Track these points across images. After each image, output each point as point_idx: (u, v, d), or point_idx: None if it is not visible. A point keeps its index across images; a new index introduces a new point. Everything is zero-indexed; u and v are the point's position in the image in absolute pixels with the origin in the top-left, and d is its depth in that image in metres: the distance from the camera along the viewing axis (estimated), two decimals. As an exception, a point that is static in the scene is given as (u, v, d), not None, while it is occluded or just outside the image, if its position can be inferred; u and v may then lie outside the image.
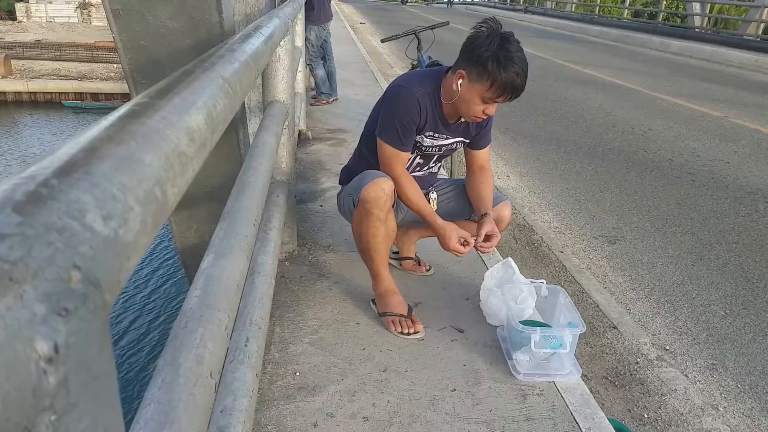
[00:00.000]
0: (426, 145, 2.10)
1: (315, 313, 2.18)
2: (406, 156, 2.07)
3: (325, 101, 6.03)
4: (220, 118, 0.71)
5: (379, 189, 1.95)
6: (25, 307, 0.25)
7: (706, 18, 16.98)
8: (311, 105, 5.90)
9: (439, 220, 2.05)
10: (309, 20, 5.39)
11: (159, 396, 0.66)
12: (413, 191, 2.05)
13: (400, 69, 9.36)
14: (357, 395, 1.77)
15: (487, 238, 2.03)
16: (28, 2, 30.97)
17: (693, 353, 2.55)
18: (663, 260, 3.38)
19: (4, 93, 17.48)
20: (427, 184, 2.27)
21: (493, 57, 1.80)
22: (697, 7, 16.88)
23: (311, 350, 1.97)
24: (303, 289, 2.34)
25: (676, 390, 2.32)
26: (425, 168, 2.23)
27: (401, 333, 2.06)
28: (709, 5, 16.98)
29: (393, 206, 2.03)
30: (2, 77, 17.62)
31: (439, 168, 2.30)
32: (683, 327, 2.74)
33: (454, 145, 2.17)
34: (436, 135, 2.08)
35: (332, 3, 6.16)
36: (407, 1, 36.55)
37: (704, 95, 8.53)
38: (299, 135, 4.34)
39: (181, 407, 0.66)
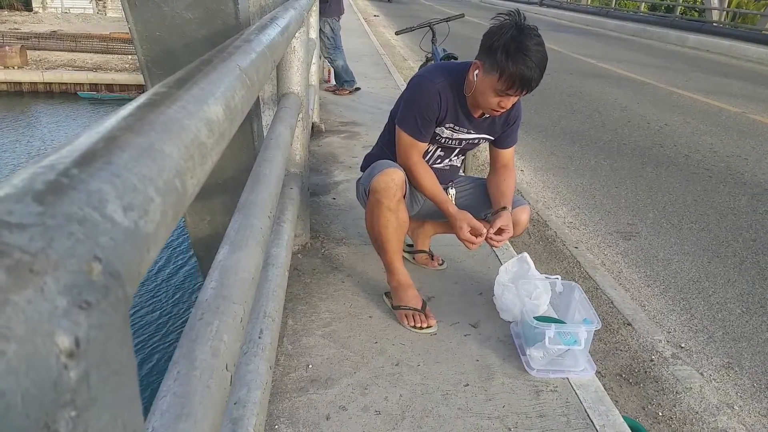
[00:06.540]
0: (445, 137, 2.08)
1: (328, 305, 2.18)
2: (423, 146, 2.07)
3: (347, 90, 6.04)
4: (237, 109, 0.70)
5: (388, 179, 1.94)
6: (46, 299, 0.24)
7: (724, 12, 16.73)
8: (335, 94, 5.97)
9: (453, 208, 2.04)
10: (323, 13, 5.38)
11: (175, 388, 0.66)
12: (427, 178, 2.04)
13: (413, 62, 9.32)
14: (369, 389, 1.76)
15: (499, 232, 2.01)
16: (44, -7, 31.16)
17: (708, 351, 2.52)
18: (679, 257, 3.34)
19: (20, 83, 17.59)
20: (447, 179, 2.25)
21: (504, 48, 1.76)
22: (715, 1, 16.62)
23: (324, 343, 1.96)
24: (316, 282, 2.34)
25: (691, 388, 2.30)
26: (446, 160, 2.21)
27: (414, 327, 2.06)
28: (727, -1, 16.75)
29: (405, 197, 2.02)
30: (18, 68, 17.74)
31: (462, 162, 2.28)
32: (699, 325, 2.71)
33: (476, 141, 2.14)
34: (457, 128, 2.06)
35: None
36: None
37: (722, 90, 8.41)
38: (312, 127, 4.33)
39: (197, 400, 0.66)
